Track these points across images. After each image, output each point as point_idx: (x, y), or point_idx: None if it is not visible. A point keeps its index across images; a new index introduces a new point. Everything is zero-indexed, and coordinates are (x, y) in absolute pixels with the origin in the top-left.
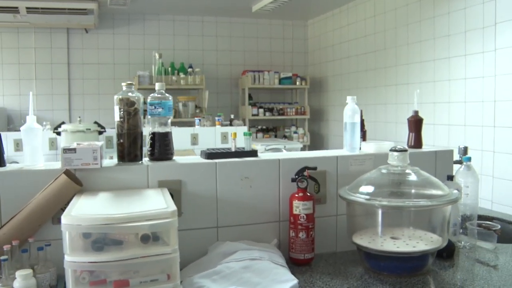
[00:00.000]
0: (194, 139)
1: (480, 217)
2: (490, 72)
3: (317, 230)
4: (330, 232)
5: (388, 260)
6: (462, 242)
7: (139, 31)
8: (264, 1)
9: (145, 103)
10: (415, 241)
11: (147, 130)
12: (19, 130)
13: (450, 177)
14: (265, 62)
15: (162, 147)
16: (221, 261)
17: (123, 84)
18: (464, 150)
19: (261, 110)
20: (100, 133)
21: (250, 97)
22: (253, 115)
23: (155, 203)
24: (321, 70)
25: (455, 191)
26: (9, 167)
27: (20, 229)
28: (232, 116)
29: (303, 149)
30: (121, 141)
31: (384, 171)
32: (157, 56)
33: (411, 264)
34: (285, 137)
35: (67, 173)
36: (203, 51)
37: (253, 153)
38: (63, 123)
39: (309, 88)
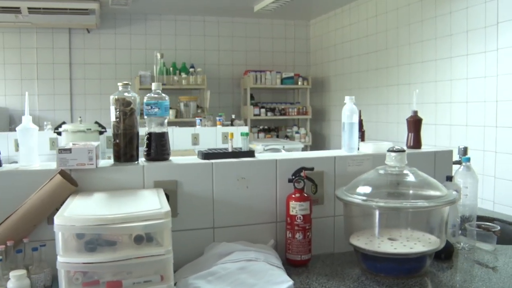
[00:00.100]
0: (195, 139)
1: (481, 218)
2: (492, 72)
3: (315, 231)
4: (328, 233)
5: (385, 261)
6: (461, 243)
7: (141, 31)
8: (266, 1)
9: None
10: (413, 242)
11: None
12: None
13: (449, 178)
14: (267, 62)
15: (158, 147)
16: (216, 262)
17: (119, 84)
18: (464, 151)
19: (263, 110)
20: (101, 133)
21: (252, 97)
22: (255, 115)
23: (149, 203)
24: (323, 70)
25: (454, 192)
26: (5, 167)
27: (14, 229)
28: (233, 116)
29: (304, 149)
30: (117, 141)
31: (381, 171)
32: (158, 56)
33: (408, 265)
34: (287, 137)
35: (62, 173)
36: (205, 51)
37: (250, 153)
38: (63, 123)
39: (311, 88)
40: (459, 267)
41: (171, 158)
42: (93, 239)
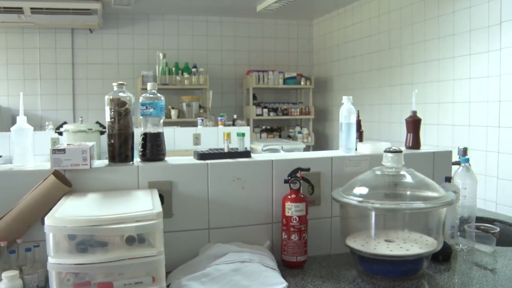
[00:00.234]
0: (197, 139)
1: (481, 219)
2: (495, 71)
3: (311, 232)
4: (325, 234)
5: (381, 263)
6: (460, 245)
7: (144, 31)
8: (268, 0)
9: None
10: (410, 244)
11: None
12: None
13: (448, 179)
14: (269, 62)
15: (153, 148)
16: (211, 263)
17: (114, 84)
18: (463, 151)
19: (265, 110)
20: (102, 133)
21: (254, 97)
22: (257, 115)
23: (142, 204)
24: (326, 70)
25: (451, 193)
26: None
27: (8, 230)
28: (235, 116)
29: (307, 149)
30: (112, 141)
31: (378, 172)
32: (161, 56)
33: (404, 267)
34: (289, 137)
35: (56, 173)
36: (207, 51)
37: (246, 153)
38: (65, 123)
39: (313, 88)
40: (457, 269)
41: (166, 158)
42: (85, 240)
